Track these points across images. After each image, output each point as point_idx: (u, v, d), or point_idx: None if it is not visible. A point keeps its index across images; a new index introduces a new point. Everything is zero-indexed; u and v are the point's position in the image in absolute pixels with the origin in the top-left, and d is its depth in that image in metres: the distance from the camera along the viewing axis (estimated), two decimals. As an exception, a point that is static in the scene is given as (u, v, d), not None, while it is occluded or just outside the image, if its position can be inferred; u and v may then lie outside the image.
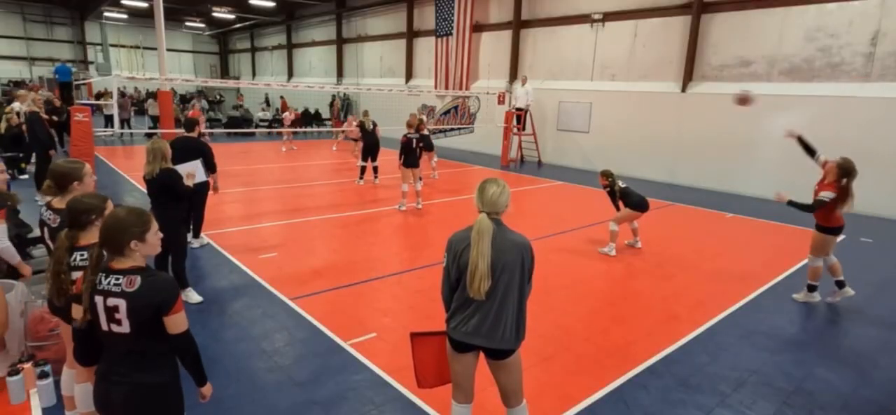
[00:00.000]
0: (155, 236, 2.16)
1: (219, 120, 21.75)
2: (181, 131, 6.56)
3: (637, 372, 4.01)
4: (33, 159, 10.12)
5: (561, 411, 3.47)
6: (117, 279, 2.02)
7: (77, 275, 2.25)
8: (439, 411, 3.38)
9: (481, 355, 2.69)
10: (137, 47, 28.77)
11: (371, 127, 11.55)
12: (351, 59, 24.69)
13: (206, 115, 19.73)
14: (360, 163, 11.56)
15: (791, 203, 5.26)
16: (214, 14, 27.39)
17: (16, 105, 11.55)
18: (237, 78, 35.27)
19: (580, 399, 3.61)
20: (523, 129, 15.86)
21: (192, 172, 4.99)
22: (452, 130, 19.53)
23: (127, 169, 12.11)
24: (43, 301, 3.66)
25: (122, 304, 1.99)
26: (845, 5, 10.36)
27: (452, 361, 2.71)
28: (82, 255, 2.47)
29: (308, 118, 23.63)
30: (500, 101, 16.43)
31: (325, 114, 24.20)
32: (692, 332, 4.76)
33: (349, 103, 23.98)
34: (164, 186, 4.65)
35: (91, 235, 2.47)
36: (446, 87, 18.80)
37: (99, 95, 21.99)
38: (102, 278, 2.03)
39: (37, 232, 4.85)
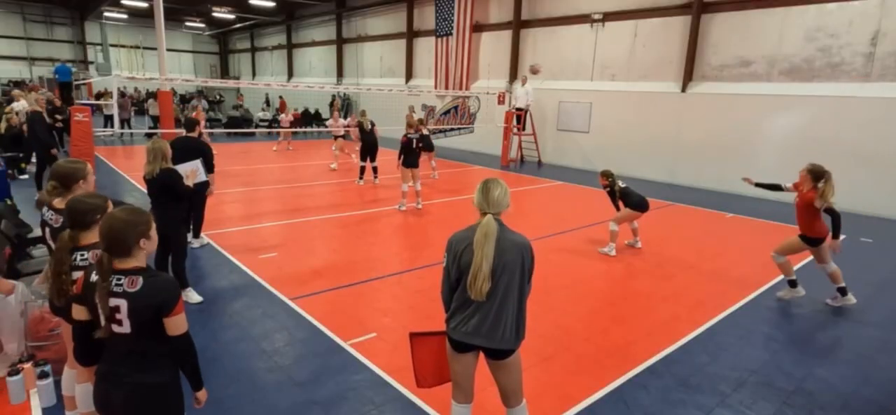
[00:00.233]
0: (155, 232, 2.21)
1: (219, 120, 21.74)
2: (181, 131, 6.56)
3: (637, 372, 4.01)
4: (33, 159, 10.13)
5: (561, 411, 3.47)
6: (119, 279, 2.02)
7: (78, 275, 2.25)
8: (439, 411, 3.38)
9: (481, 354, 2.68)
10: (137, 47, 28.76)
11: (369, 127, 11.54)
12: (351, 59, 24.69)
13: (206, 115, 19.70)
14: (359, 163, 11.57)
15: (758, 185, 5.59)
16: (214, 14, 27.39)
17: (16, 105, 11.56)
18: (237, 78, 35.27)
19: (580, 399, 3.61)
20: (523, 129, 15.86)
21: (192, 171, 4.99)
22: (452, 130, 19.53)
23: (127, 169, 12.10)
24: (43, 301, 3.65)
25: (123, 304, 1.99)
26: (845, 5, 10.36)
27: (452, 361, 2.70)
28: (83, 255, 2.47)
29: (308, 118, 23.61)
30: (500, 102, 16.44)
31: (326, 114, 24.17)
32: (692, 332, 4.76)
33: (349, 103, 23.96)
34: (164, 186, 4.65)
35: (92, 235, 2.48)
36: (446, 88, 18.80)
37: (99, 95, 22.00)
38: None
39: (37, 232, 4.87)
